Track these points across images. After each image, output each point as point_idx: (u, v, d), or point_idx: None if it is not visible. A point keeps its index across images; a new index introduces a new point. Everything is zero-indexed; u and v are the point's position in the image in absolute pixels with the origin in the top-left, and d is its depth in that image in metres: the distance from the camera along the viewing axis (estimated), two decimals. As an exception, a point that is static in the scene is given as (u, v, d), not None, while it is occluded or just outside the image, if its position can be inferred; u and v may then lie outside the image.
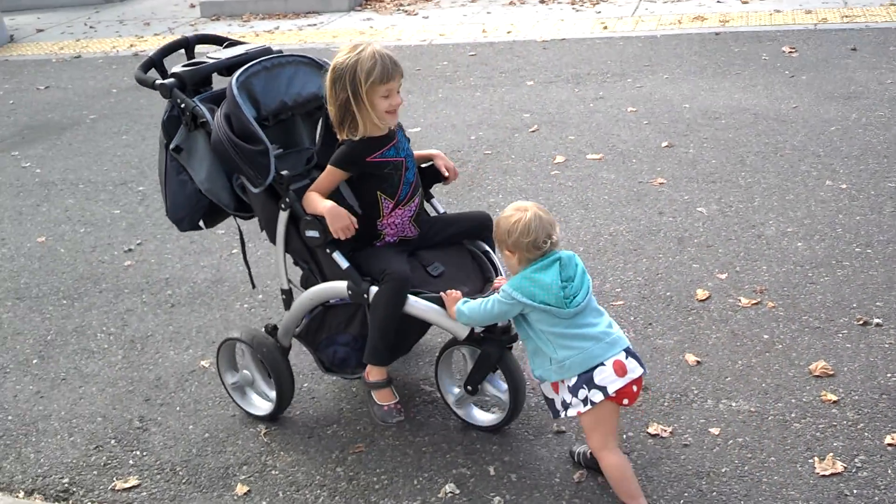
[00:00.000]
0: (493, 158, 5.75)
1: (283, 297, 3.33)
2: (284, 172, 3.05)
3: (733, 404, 3.25)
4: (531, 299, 2.63)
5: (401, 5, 10.64)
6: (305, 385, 3.61)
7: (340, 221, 2.97)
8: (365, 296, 2.98)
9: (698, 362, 3.50)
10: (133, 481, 3.19)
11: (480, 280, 3.15)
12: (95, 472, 3.25)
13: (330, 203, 3.00)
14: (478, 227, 3.26)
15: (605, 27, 8.72)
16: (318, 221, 2.99)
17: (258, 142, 2.99)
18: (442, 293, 2.94)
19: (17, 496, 3.21)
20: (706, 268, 4.17)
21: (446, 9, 10.33)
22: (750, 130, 5.75)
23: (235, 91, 3.04)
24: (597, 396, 2.61)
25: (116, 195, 5.46)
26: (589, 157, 5.59)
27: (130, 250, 4.95)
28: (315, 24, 10.18)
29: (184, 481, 3.16)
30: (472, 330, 2.94)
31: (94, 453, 3.36)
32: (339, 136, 3.07)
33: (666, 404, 3.28)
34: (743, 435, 3.09)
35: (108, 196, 5.71)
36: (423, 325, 3.13)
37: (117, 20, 11.59)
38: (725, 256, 4.26)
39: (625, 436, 3.13)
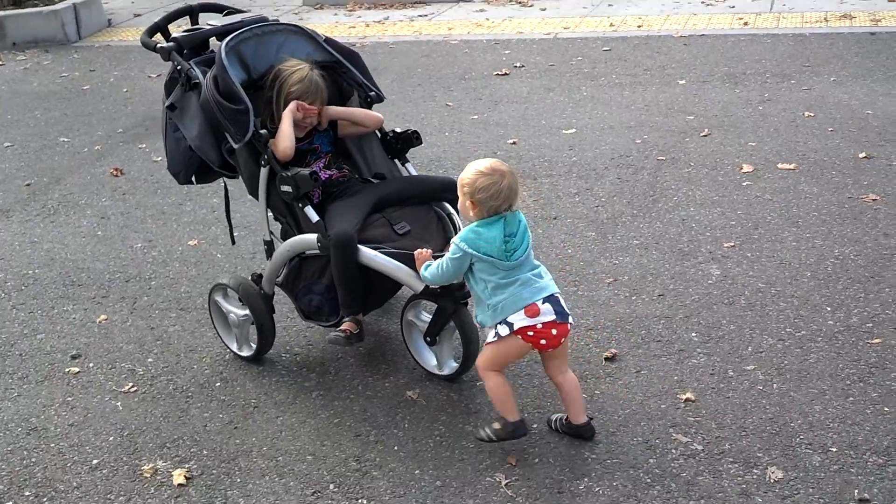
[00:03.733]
0: (670, 165, 5.28)
1: (266, 247, 3.63)
2: (263, 131, 3.34)
3: None
4: (476, 250, 2.91)
5: (512, -4, 10.17)
6: (540, 427, 3.20)
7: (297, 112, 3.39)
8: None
9: None
10: (367, 537, 2.79)
11: (443, 239, 3.40)
12: (320, 524, 2.87)
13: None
14: (441, 190, 3.50)
15: (746, 23, 8.20)
16: (292, 178, 3.27)
17: (239, 101, 3.29)
18: (415, 253, 3.14)
19: (231, 548, 2.83)
20: (967, 302, 3.69)
21: (562, 0, 9.84)
22: (955, 142, 5.24)
23: (223, 55, 3.35)
24: (504, 330, 2.92)
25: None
26: (780, 167, 5.11)
27: (296, 259, 4.57)
28: (426, 16, 9.75)
29: (427, 541, 2.76)
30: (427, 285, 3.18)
31: (313, 500, 2.97)
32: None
33: None
34: None
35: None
36: (394, 283, 3.35)
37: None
38: (984, 289, 3.77)
39: (948, 509, 2.67)
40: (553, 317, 2.91)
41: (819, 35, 7.63)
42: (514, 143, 5.85)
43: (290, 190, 3.31)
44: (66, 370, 3.81)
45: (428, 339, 3.37)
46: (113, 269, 4.67)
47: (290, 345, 3.86)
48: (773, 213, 4.59)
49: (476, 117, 6.42)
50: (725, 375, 3.40)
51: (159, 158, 6.15)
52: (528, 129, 6.08)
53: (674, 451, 3.04)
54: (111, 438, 3.36)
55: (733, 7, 8.81)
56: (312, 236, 3.33)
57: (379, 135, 3.76)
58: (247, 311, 3.63)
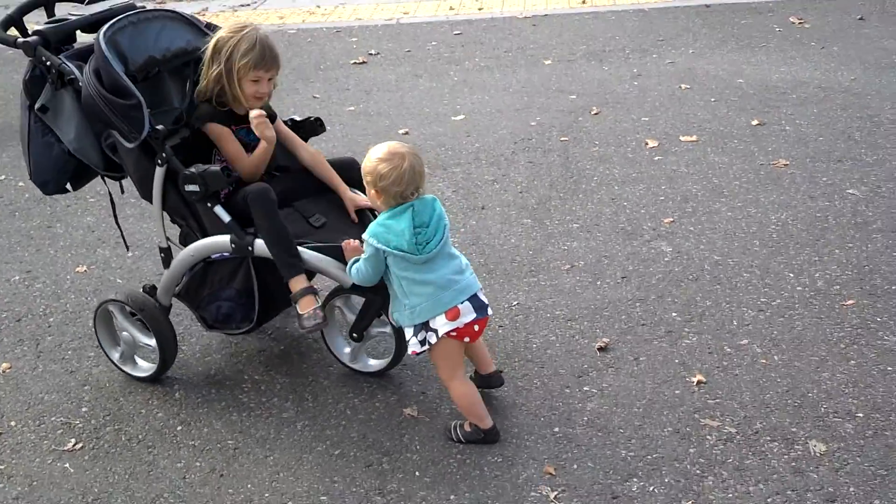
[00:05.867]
0: (576, 146, 5.21)
1: (162, 255, 3.31)
2: (160, 127, 3.03)
3: None
4: (386, 245, 2.74)
5: (337, -18, 9.80)
6: (565, 429, 2.99)
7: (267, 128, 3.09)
8: (249, 248, 3.00)
9: None
10: (428, 580, 2.49)
11: (361, 228, 3.09)
12: (365, 573, 2.53)
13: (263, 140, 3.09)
14: (344, 170, 3.27)
15: (584, 2, 8.31)
16: (199, 176, 2.97)
17: (130, 96, 2.97)
18: (343, 244, 2.94)
19: None
20: (913, 256, 3.84)
21: (389, -14, 9.59)
22: (830, 105, 5.49)
23: (104, 46, 3.00)
24: (432, 338, 2.81)
25: (145, 207, 4.48)
26: (683, 140, 5.16)
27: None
28: (249, 4, 9.23)
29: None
30: None
31: (348, 547, 2.63)
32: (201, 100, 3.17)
33: None
34: None
35: (135, 209, 4.74)
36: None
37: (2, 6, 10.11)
38: (921, 242, 3.94)
39: None
40: (474, 315, 2.82)
41: (658, 10, 7.85)
42: (406, 133, 5.58)
43: (198, 189, 3.00)
44: (-18, 434, 3.20)
45: (354, 335, 3.15)
46: (-6, 309, 4.00)
47: (248, 373, 3.44)
48: (697, 186, 4.61)
49: (353, 108, 6.09)
50: (724, 353, 3.34)
51: (2, 177, 5.40)
52: (414, 119, 5.83)
53: (709, 437, 2.93)
54: (73, 509, 2.84)
55: (565, -14, 8.91)
56: (224, 238, 3.04)
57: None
58: (138, 328, 3.32)
